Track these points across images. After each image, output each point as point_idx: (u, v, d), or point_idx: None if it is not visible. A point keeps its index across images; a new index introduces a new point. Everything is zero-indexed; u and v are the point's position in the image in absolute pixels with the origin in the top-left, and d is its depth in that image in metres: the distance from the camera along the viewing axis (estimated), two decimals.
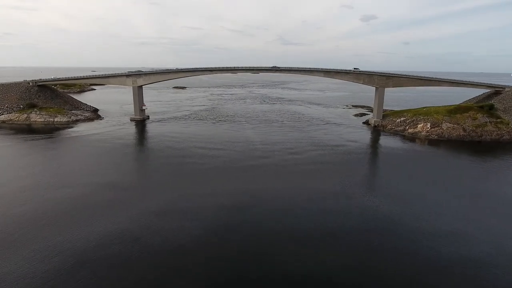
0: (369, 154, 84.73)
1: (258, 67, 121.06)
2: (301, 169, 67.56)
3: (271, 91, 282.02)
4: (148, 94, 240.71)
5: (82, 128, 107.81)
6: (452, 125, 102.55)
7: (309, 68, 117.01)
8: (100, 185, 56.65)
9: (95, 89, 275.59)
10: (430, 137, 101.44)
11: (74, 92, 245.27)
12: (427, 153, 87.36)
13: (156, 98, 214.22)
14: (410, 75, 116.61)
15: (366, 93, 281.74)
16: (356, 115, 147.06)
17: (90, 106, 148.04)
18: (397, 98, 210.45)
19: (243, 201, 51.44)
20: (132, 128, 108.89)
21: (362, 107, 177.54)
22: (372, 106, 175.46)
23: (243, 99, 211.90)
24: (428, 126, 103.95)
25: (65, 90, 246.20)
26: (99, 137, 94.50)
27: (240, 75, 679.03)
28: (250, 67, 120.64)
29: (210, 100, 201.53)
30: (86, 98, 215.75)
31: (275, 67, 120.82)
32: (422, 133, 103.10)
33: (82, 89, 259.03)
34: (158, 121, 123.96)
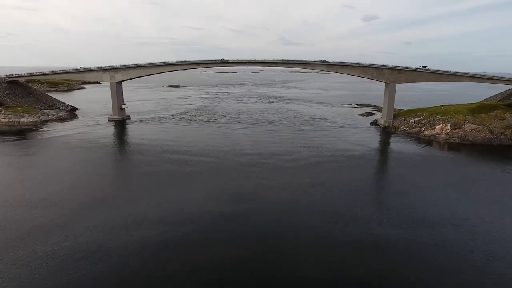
0: (385, 165, 69.89)
1: (270, 59, 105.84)
2: (303, 195, 49.29)
3: (270, 89, 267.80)
4: (140, 92, 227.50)
5: (49, 130, 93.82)
6: (477, 126, 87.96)
7: (310, 61, 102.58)
8: (17, 225, 38.95)
9: (85, 88, 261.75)
10: (451, 140, 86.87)
11: (61, 91, 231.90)
12: (452, 160, 73.00)
13: (147, 96, 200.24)
14: (424, 69, 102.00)
15: (371, 92, 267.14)
16: (362, 114, 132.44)
17: (68, 105, 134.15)
18: (402, 97, 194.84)
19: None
20: (105, 130, 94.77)
21: (368, 106, 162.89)
22: (379, 105, 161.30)
23: (240, 97, 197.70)
24: (448, 127, 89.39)
25: (52, 89, 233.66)
26: (62, 142, 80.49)
27: (240, 74, 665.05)
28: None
29: (203, 98, 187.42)
30: (72, 96, 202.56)
31: (324, 61, 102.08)
32: (441, 136, 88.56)
33: (70, 88, 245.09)
34: (140, 121, 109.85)
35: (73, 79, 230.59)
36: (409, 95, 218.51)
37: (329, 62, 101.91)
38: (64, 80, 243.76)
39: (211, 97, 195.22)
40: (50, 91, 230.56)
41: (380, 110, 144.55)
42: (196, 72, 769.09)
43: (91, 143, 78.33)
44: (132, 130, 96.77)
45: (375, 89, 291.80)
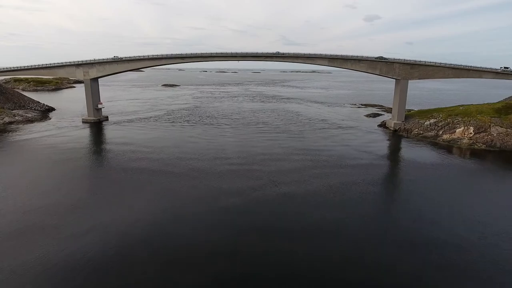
0: (410, 186, 51.57)
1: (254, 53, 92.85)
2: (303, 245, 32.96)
3: (269, 89, 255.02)
4: (131, 91, 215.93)
5: (8, 133, 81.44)
6: (505, 129, 75.01)
7: (309, 54, 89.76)
8: None
9: (75, 87, 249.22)
10: (475, 146, 73.97)
11: (48, 90, 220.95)
12: (489, 173, 59.93)
13: (136, 95, 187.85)
14: (441, 63, 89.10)
15: (375, 91, 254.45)
16: (368, 115, 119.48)
17: (43, 105, 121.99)
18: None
19: None
20: (73, 134, 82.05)
21: (373, 106, 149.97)
22: (385, 105, 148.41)
23: (235, 96, 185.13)
24: (471, 131, 76.49)
25: (38, 88, 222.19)
26: (12, 149, 68.03)
27: (240, 73, 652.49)
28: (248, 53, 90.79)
29: (196, 98, 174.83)
30: (56, 96, 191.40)
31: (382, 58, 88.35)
32: (463, 141, 75.66)
33: (58, 87, 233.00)
34: (117, 123, 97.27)
35: (44, 76, 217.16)
36: (414, 94, 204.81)
37: (331, 55, 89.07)
38: (53, 78, 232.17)
39: (205, 97, 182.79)
40: (36, 90, 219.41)
41: (387, 110, 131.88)
42: (196, 72, 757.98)
43: (46, 153, 64.65)
44: (105, 134, 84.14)
45: (382, 89, 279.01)
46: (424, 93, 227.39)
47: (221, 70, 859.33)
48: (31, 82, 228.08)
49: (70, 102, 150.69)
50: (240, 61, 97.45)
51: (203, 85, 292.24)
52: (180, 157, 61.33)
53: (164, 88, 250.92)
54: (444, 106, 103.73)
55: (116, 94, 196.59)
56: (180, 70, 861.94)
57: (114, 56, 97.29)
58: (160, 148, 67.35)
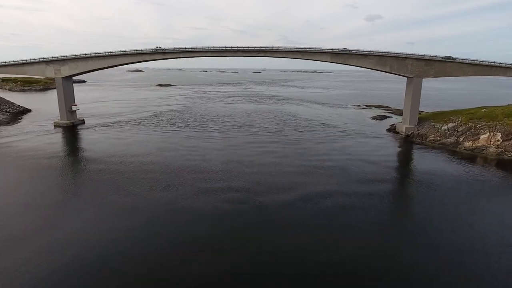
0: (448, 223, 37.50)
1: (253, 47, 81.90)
2: None
3: (268, 88, 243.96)
4: (122, 91, 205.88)
5: None
6: None
7: (308, 49, 78.65)
8: None
9: None
10: (504, 155, 62.85)
11: (35, 90, 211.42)
12: None
13: (126, 96, 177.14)
14: (460, 60, 77.89)
15: (379, 91, 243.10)
16: (374, 118, 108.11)
17: (18, 106, 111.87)
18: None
19: None
20: (33, 142, 70.99)
21: (379, 107, 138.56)
22: (392, 106, 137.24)
23: (231, 97, 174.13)
24: (498, 137, 65.36)
25: (25, 88, 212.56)
26: None
27: (240, 73, 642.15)
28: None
29: (189, 98, 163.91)
30: (42, 96, 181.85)
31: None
32: (490, 149, 64.55)
33: (47, 86, 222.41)
34: (93, 127, 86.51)
35: (12, 74, 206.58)
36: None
37: (334, 50, 77.96)
38: (44, 78, 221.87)
39: (199, 97, 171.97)
40: (23, 90, 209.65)
41: (394, 112, 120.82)
42: (196, 72, 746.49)
43: None
44: (72, 142, 72.92)
45: (384, 89, 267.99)
46: (430, 92, 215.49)
47: (221, 70, 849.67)
48: (19, 82, 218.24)
49: (53, 103, 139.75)
50: (240, 61, 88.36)
51: (200, 85, 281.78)
52: (147, 178, 48.51)
53: (158, 88, 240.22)
54: (458, 107, 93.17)
55: (105, 94, 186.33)
56: (180, 70, 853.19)
57: (157, 47, 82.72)
58: (128, 162, 55.66)
